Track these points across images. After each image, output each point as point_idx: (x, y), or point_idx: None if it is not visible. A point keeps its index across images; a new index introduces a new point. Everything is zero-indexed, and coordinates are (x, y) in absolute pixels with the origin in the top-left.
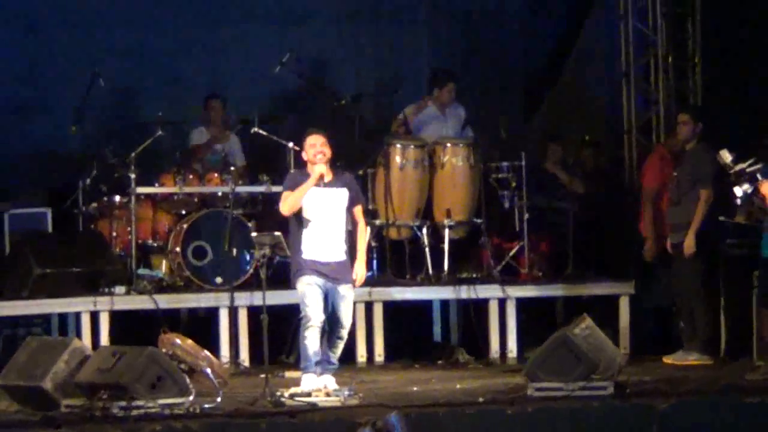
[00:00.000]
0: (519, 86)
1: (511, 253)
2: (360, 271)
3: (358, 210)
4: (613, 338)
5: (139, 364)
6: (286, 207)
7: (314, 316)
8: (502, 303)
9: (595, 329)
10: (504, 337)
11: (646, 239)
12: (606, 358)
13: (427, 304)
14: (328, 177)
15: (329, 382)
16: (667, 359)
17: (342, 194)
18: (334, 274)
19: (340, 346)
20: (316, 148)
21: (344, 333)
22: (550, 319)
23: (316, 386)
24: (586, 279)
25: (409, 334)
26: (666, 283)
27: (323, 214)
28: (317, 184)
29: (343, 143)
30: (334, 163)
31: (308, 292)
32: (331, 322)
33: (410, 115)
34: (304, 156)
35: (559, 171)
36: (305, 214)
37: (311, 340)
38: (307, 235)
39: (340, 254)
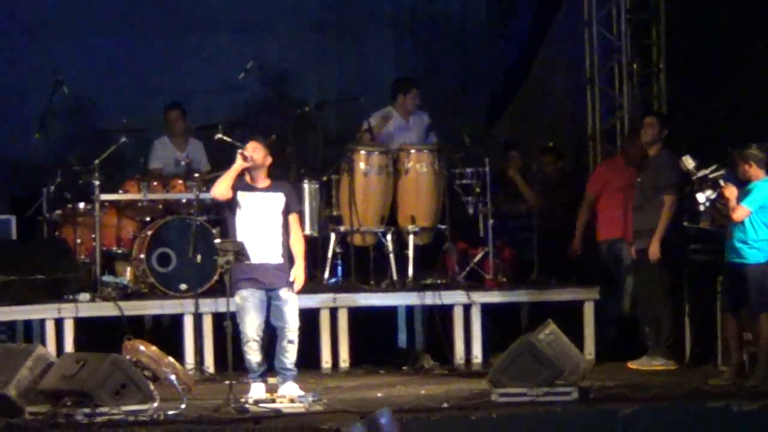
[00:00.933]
0: (483, 93)
1: (476, 259)
2: (298, 275)
3: (293, 218)
4: (577, 344)
5: (102, 371)
6: (214, 190)
7: (249, 331)
8: (467, 309)
9: (559, 335)
10: (469, 343)
11: (574, 237)
12: (570, 364)
13: (392, 310)
14: (265, 183)
15: (292, 388)
16: (632, 365)
17: (277, 199)
18: (271, 278)
19: (292, 350)
20: (245, 150)
21: (292, 336)
22: (514, 324)
23: (266, 395)
24: (550, 285)
25: (374, 340)
26: (628, 288)
27: (258, 217)
28: (252, 189)
29: (307, 150)
30: (276, 173)
31: (243, 309)
32: (277, 328)
33: (376, 125)
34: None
35: (519, 180)
36: (240, 218)
37: (252, 353)
38: (242, 238)
39: (276, 257)
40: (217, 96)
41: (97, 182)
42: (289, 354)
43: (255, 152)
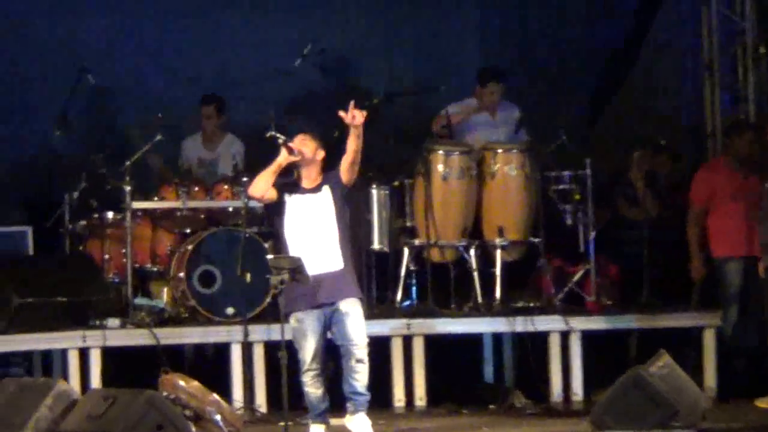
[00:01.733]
0: (583, 83)
1: (575, 278)
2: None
3: (341, 165)
4: (696, 378)
5: (135, 411)
6: (252, 188)
7: (309, 358)
8: (564, 337)
9: (674, 367)
10: (567, 377)
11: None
12: (687, 402)
13: (476, 339)
14: (315, 182)
15: (363, 425)
16: (760, 402)
17: (325, 196)
18: (328, 291)
19: (363, 370)
20: (287, 142)
21: (361, 353)
22: (621, 355)
23: None
24: (663, 308)
25: (456, 373)
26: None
27: (308, 221)
28: (299, 190)
29: (375, 150)
30: (326, 169)
31: (299, 332)
32: (342, 348)
33: (454, 115)
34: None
35: (640, 183)
36: (288, 225)
37: (311, 386)
38: (293, 251)
39: (335, 263)
40: (266, 87)
41: (128, 188)
42: (360, 375)
43: (303, 145)
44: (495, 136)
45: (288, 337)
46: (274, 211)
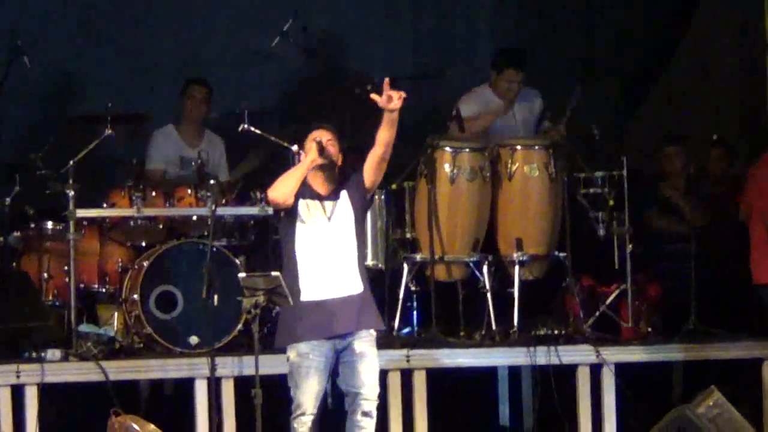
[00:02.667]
0: (618, 69)
1: (609, 301)
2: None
3: (366, 162)
4: (753, 418)
5: None
6: (274, 191)
7: (306, 402)
8: (596, 371)
9: (727, 407)
10: (598, 419)
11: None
12: None
13: (489, 373)
14: (332, 188)
15: None
16: None
17: (343, 204)
18: (344, 320)
19: (369, 427)
20: (318, 139)
21: (370, 406)
22: (663, 393)
23: None
24: (714, 337)
25: (464, 414)
26: None
27: (325, 234)
28: (317, 196)
29: (369, 146)
30: (341, 173)
31: (298, 370)
32: (348, 395)
33: (473, 121)
34: (303, 156)
35: (678, 198)
36: (301, 236)
37: None
38: (304, 266)
39: (354, 286)
40: (240, 71)
41: (71, 192)
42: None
43: (330, 145)
44: (511, 130)
45: (267, 371)
46: (283, 216)
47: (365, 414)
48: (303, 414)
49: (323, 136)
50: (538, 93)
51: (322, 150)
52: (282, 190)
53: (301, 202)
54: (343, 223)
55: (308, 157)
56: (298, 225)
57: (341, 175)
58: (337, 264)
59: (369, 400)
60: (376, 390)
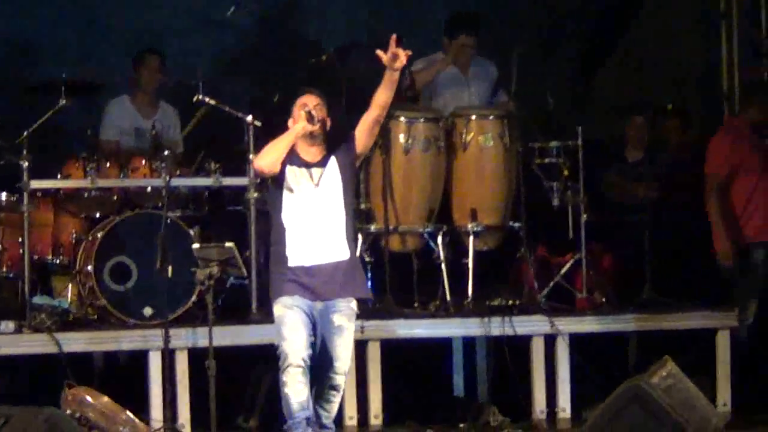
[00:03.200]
0: (574, 37)
1: (563, 271)
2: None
3: (361, 124)
4: (707, 390)
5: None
6: (261, 160)
7: (294, 351)
8: (550, 341)
9: (681, 377)
10: (553, 390)
11: (719, 240)
12: (697, 418)
13: (444, 344)
14: (321, 154)
15: None
16: None
17: (331, 170)
18: (327, 289)
19: (336, 400)
20: (307, 108)
21: (340, 380)
22: (617, 363)
23: None
24: (668, 307)
25: (419, 385)
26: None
27: (313, 200)
28: (304, 163)
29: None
30: (331, 138)
31: (287, 319)
32: (320, 365)
33: (418, 73)
34: (290, 124)
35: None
36: (288, 204)
37: (293, 386)
38: (292, 233)
39: (341, 252)
40: (194, 39)
41: (25, 163)
42: (331, 406)
43: (320, 111)
44: (466, 97)
45: (220, 342)
46: (272, 187)
47: (333, 387)
48: (290, 365)
49: (310, 101)
50: (493, 63)
51: (311, 118)
52: (268, 158)
53: (289, 169)
54: (331, 190)
55: (297, 125)
56: (285, 192)
57: (331, 139)
58: (324, 230)
59: (339, 374)
60: (348, 364)
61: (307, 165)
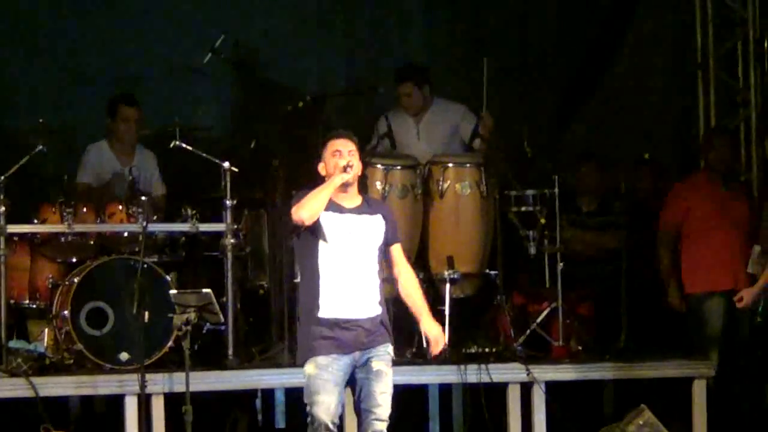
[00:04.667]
0: (551, 83)
1: (540, 319)
2: (434, 331)
3: (397, 249)
4: None
5: None
6: (302, 211)
7: (324, 416)
8: (526, 389)
9: (657, 426)
10: None
11: (668, 284)
12: None
13: (420, 391)
14: (355, 202)
15: None
16: None
17: (376, 224)
18: (364, 340)
19: None
20: (341, 156)
21: (382, 427)
22: (594, 411)
23: None
24: (645, 355)
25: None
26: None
27: (349, 250)
28: (340, 209)
29: (302, 162)
30: (361, 188)
31: (317, 382)
32: (361, 414)
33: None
34: (321, 171)
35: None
36: (325, 253)
37: None
38: (327, 283)
39: (375, 308)
40: (171, 86)
41: (2, 208)
42: None
43: (353, 158)
44: (414, 144)
45: (197, 387)
46: (304, 235)
47: None
48: (323, 430)
49: (344, 146)
50: (463, 109)
51: (347, 167)
52: (310, 211)
53: (324, 216)
54: (367, 239)
55: (335, 177)
56: (321, 241)
57: (365, 195)
58: (358, 282)
59: (381, 421)
60: (389, 410)
61: (342, 211)
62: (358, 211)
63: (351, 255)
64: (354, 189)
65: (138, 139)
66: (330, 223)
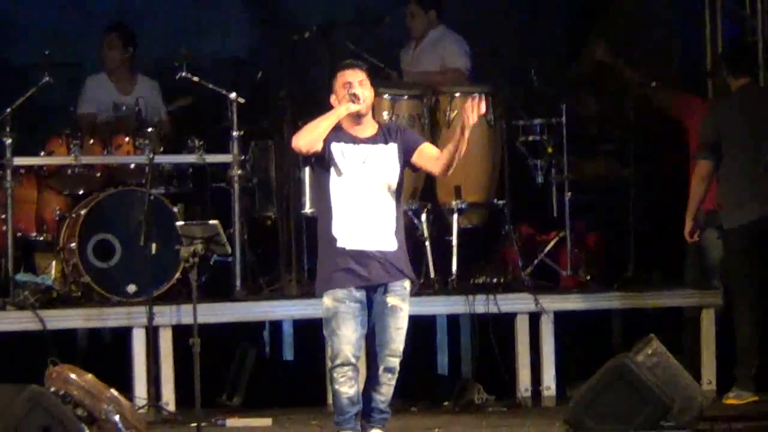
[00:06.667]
0: (557, 14)
1: (548, 249)
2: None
3: (428, 147)
4: (692, 368)
5: (16, 410)
6: (299, 139)
7: (346, 350)
8: (534, 319)
9: (666, 356)
10: (537, 368)
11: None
12: (682, 396)
13: (428, 322)
14: (370, 131)
15: None
16: (729, 399)
17: (390, 152)
18: (380, 273)
19: (391, 383)
20: (351, 88)
21: (395, 362)
22: (602, 341)
23: None
24: (653, 285)
25: (403, 362)
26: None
27: (364, 181)
28: (354, 139)
29: (307, 93)
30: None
31: (336, 316)
32: (375, 348)
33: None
34: (334, 103)
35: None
36: (336, 184)
37: (344, 384)
38: (339, 214)
39: (390, 242)
40: (176, 18)
41: (8, 140)
42: (386, 389)
43: (364, 87)
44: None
45: (205, 319)
46: (313, 163)
47: (388, 370)
48: (342, 364)
49: (355, 77)
50: (453, 34)
51: (355, 98)
52: (307, 138)
53: (335, 147)
54: (381, 169)
55: (340, 107)
56: (332, 171)
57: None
58: (372, 214)
59: (395, 357)
60: (402, 346)
61: (356, 141)
62: (372, 140)
63: (365, 185)
64: (368, 119)
65: (138, 69)
66: (342, 153)
